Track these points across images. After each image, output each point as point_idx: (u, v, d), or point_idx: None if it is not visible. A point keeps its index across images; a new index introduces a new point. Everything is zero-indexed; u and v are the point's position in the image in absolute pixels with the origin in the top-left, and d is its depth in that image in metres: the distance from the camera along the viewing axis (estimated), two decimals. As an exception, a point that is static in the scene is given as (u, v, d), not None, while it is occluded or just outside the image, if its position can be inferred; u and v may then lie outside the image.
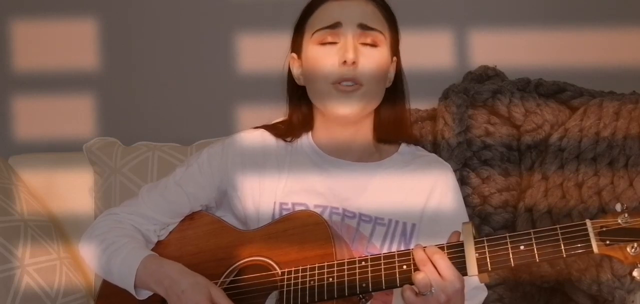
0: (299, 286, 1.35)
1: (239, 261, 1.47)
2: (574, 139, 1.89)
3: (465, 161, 1.97)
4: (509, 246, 1.26)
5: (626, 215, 1.21)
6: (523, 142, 1.98)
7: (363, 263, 1.33)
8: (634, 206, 1.23)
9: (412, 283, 1.29)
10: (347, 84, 1.47)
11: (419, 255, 1.30)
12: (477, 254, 1.27)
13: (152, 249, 1.59)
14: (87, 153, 2.17)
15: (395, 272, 1.31)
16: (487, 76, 2.14)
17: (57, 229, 2.08)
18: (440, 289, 1.27)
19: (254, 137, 1.62)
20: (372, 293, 1.39)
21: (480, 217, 1.94)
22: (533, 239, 1.25)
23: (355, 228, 1.52)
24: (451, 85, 2.09)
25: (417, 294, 1.28)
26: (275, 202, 1.54)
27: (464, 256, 1.28)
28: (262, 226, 1.51)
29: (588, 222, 1.23)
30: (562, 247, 1.22)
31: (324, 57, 1.49)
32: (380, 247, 1.52)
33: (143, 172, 2.11)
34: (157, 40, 2.38)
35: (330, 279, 1.33)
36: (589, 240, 1.21)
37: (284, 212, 1.53)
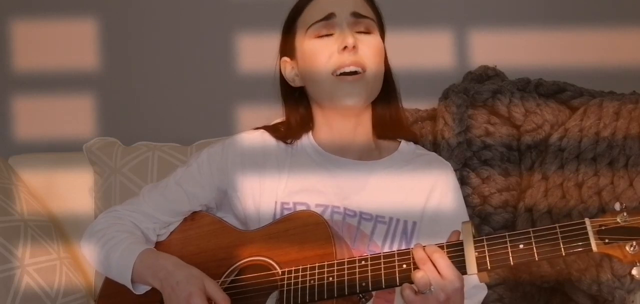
0: (299, 286, 1.35)
1: (240, 261, 1.47)
2: (574, 139, 1.89)
3: (465, 161, 1.97)
4: (508, 245, 1.26)
5: (625, 214, 1.21)
6: (523, 142, 1.98)
7: (363, 262, 1.34)
8: (633, 205, 1.23)
9: (411, 282, 1.29)
10: (350, 69, 1.48)
11: (419, 254, 1.30)
12: (476, 253, 1.27)
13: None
14: (87, 153, 2.17)
15: (395, 271, 1.31)
16: (487, 75, 2.14)
17: (57, 229, 2.08)
18: (440, 288, 1.27)
19: (254, 138, 1.62)
20: (372, 292, 1.39)
21: (480, 217, 1.94)
22: (532, 238, 1.25)
23: (356, 227, 1.52)
24: (451, 85, 2.09)
25: (416, 292, 1.28)
26: (276, 202, 1.54)
27: (463, 255, 1.28)
28: (263, 226, 1.51)
29: (587, 221, 1.23)
30: (561, 246, 1.23)
31: (322, 49, 1.50)
32: (382, 245, 1.52)
33: (143, 172, 2.11)
34: (157, 40, 2.38)
35: (330, 279, 1.34)
36: (588, 239, 1.22)
37: (286, 212, 1.53)
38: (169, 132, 2.29)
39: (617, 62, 2.21)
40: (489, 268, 1.26)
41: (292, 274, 1.37)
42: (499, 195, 1.95)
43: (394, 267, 1.32)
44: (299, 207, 1.53)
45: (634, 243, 1.19)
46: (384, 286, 1.32)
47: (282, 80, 1.61)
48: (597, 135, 1.87)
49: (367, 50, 1.50)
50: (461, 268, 1.28)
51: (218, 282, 1.46)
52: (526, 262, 1.25)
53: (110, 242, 1.54)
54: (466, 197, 1.93)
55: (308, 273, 1.36)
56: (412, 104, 2.07)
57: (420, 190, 1.56)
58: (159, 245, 1.61)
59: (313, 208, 1.52)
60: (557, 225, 1.24)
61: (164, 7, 2.37)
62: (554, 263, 1.79)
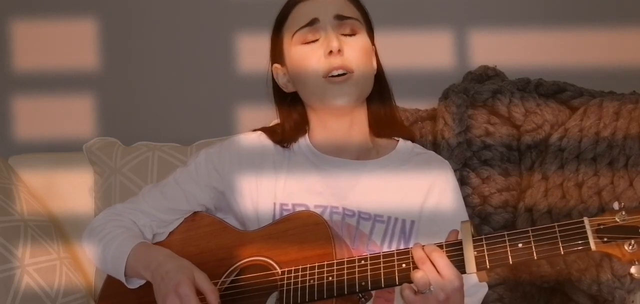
0: (299, 286, 1.35)
1: (240, 261, 1.47)
2: (574, 139, 1.89)
3: (465, 161, 1.97)
4: (508, 244, 1.26)
5: (624, 213, 1.21)
6: (523, 142, 1.99)
7: (362, 261, 1.34)
8: (631, 205, 1.23)
9: (411, 282, 1.29)
10: (338, 72, 1.49)
11: (418, 253, 1.30)
12: (475, 253, 1.27)
13: None
14: (87, 153, 2.17)
15: (395, 271, 1.31)
16: (487, 75, 2.14)
17: (57, 229, 2.08)
18: (439, 288, 1.27)
19: (252, 140, 1.62)
20: (372, 292, 1.39)
21: (480, 217, 1.94)
22: (531, 237, 1.25)
23: (355, 227, 1.52)
24: (451, 85, 2.09)
25: (416, 292, 1.28)
26: (275, 204, 1.55)
27: (462, 255, 1.28)
28: (263, 226, 1.51)
29: (586, 220, 1.23)
30: (560, 244, 1.23)
31: (309, 54, 1.51)
32: (381, 244, 1.52)
33: (143, 172, 2.11)
34: (157, 40, 2.38)
35: (330, 278, 1.34)
36: (586, 238, 1.22)
37: (285, 213, 1.53)
38: (169, 132, 2.29)
39: (617, 62, 2.21)
40: (488, 267, 1.26)
41: (292, 274, 1.37)
42: (499, 195, 1.95)
43: (393, 266, 1.32)
44: (298, 209, 1.53)
45: (633, 242, 1.19)
46: (383, 286, 1.32)
47: (275, 85, 1.62)
48: (597, 135, 1.87)
49: (353, 51, 1.50)
50: (460, 267, 1.28)
51: (218, 282, 1.46)
52: (525, 261, 1.25)
53: (106, 237, 1.55)
54: (466, 198, 1.93)
55: (308, 272, 1.36)
56: (412, 104, 2.07)
57: (418, 189, 1.55)
58: (158, 245, 1.61)
59: (312, 209, 1.52)
60: (555, 224, 1.24)
61: (164, 7, 2.37)
62: (554, 263, 1.79)
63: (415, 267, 1.29)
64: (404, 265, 1.31)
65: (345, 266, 1.34)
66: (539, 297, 1.93)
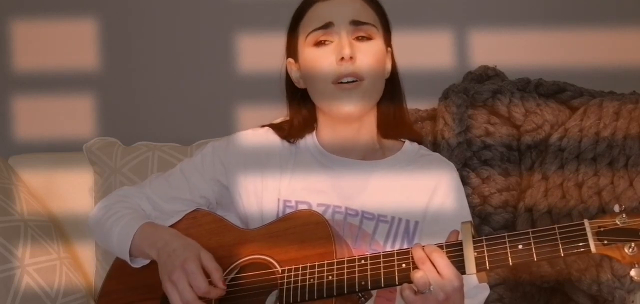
0: (299, 284, 1.36)
1: (240, 259, 1.47)
2: (574, 139, 1.89)
3: (465, 161, 1.97)
4: (508, 245, 1.26)
5: (624, 215, 1.22)
6: (523, 142, 1.99)
7: (362, 261, 1.34)
8: (631, 207, 1.23)
9: (410, 282, 1.30)
10: (347, 79, 1.48)
11: (418, 254, 1.30)
12: (475, 253, 1.27)
13: None
14: (87, 153, 2.18)
15: (394, 270, 1.32)
16: (487, 75, 2.14)
17: (57, 229, 2.08)
18: (439, 288, 1.27)
19: (259, 136, 1.63)
20: (372, 292, 1.39)
21: (480, 217, 1.94)
22: (531, 238, 1.25)
23: (358, 226, 1.53)
24: (451, 85, 2.09)
25: (416, 292, 1.29)
26: (279, 200, 1.55)
27: (462, 255, 1.28)
28: (264, 225, 1.51)
29: (586, 222, 1.23)
30: (560, 246, 1.23)
31: (320, 58, 1.50)
32: (384, 244, 1.52)
33: (143, 172, 2.11)
34: (157, 40, 2.38)
35: (330, 278, 1.34)
36: (586, 240, 1.22)
37: (288, 210, 1.53)
38: (169, 132, 2.29)
39: (617, 62, 2.21)
40: (487, 268, 1.26)
41: (292, 273, 1.37)
42: (499, 195, 1.95)
43: (393, 266, 1.32)
44: (301, 206, 1.53)
45: (633, 245, 1.19)
46: (383, 286, 1.32)
47: (288, 80, 1.61)
48: (597, 135, 1.87)
49: (366, 58, 1.49)
50: (460, 267, 1.28)
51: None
52: (525, 262, 1.25)
53: (112, 217, 1.56)
54: (466, 198, 1.93)
55: (308, 271, 1.36)
56: (412, 104, 2.05)
57: (422, 190, 1.56)
58: None
59: (315, 207, 1.53)
60: (556, 226, 1.24)
61: (164, 7, 2.37)
62: (554, 263, 1.79)
63: (415, 267, 1.30)
64: (403, 265, 1.32)
65: (345, 265, 1.34)
66: (539, 297, 1.93)
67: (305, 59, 1.53)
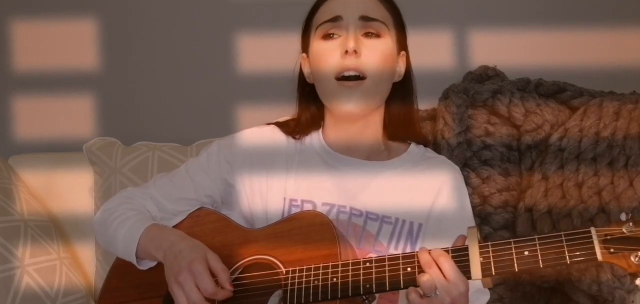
0: (303, 286, 1.35)
1: (244, 259, 1.47)
2: (574, 139, 1.89)
3: (465, 161, 1.97)
4: (513, 251, 1.26)
5: (631, 224, 1.21)
6: (523, 142, 1.98)
7: (367, 263, 1.34)
8: (639, 216, 1.23)
9: (416, 285, 1.30)
10: (349, 73, 1.48)
11: (424, 257, 1.30)
12: (481, 259, 1.27)
13: None
14: (87, 153, 2.17)
15: (400, 274, 1.31)
16: (487, 75, 2.14)
17: (57, 229, 2.08)
18: (445, 292, 1.27)
19: (264, 134, 1.63)
20: (376, 295, 1.39)
21: (480, 217, 1.94)
22: (537, 245, 1.25)
23: (362, 226, 1.53)
24: (451, 85, 2.09)
25: (421, 296, 1.28)
26: (285, 199, 1.55)
27: (468, 260, 1.28)
28: (268, 225, 1.51)
29: (593, 229, 1.23)
30: (566, 253, 1.22)
31: (327, 51, 1.51)
32: (387, 245, 1.52)
33: (143, 172, 2.11)
34: (157, 40, 2.38)
35: (334, 279, 1.34)
36: (593, 248, 1.22)
37: (293, 209, 1.54)
38: (169, 132, 2.29)
39: (617, 62, 2.21)
40: (493, 273, 1.26)
41: (296, 274, 1.37)
42: (499, 195, 1.95)
43: (398, 270, 1.32)
44: (306, 205, 1.53)
45: (639, 254, 1.19)
46: (387, 289, 1.32)
47: (301, 76, 1.62)
48: (597, 135, 1.86)
49: (371, 55, 1.49)
50: (466, 272, 1.28)
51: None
52: (530, 269, 1.25)
53: (118, 219, 1.56)
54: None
55: (312, 273, 1.36)
56: (412, 104, 2.07)
57: (427, 192, 1.55)
58: None
59: (319, 207, 1.53)
60: (562, 233, 1.24)
61: (164, 7, 2.37)
62: (554, 264, 1.79)
63: (421, 271, 1.30)
64: (409, 268, 1.31)
65: (350, 267, 1.34)
66: (539, 297, 1.93)
67: (313, 52, 1.54)
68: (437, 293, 1.27)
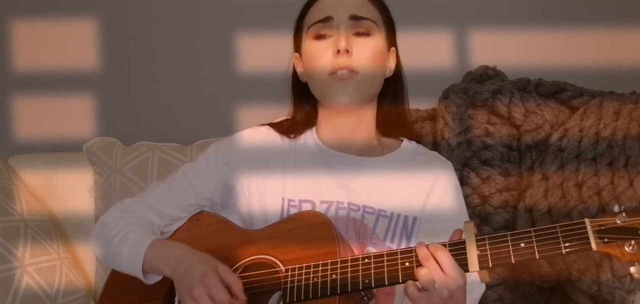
0: (303, 283, 1.36)
1: (244, 259, 1.47)
2: (574, 139, 1.89)
3: (465, 161, 1.97)
4: (510, 243, 1.28)
5: (624, 215, 1.24)
6: (523, 142, 1.98)
7: (366, 260, 1.34)
8: (631, 207, 1.26)
9: (414, 280, 1.30)
10: (342, 73, 1.52)
11: (422, 252, 1.31)
12: (478, 251, 1.29)
13: None
14: (87, 153, 2.17)
15: (398, 269, 1.32)
16: (487, 75, 2.14)
17: (57, 229, 2.08)
18: (443, 285, 1.29)
19: (260, 135, 1.64)
20: (374, 292, 1.39)
21: (480, 217, 1.94)
22: (533, 236, 1.27)
23: (360, 221, 1.54)
24: (451, 85, 2.09)
25: (420, 290, 1.29)
26: (283, 199, 1.56)
27: (465, 253, 1.29)
28: (267, 226, 1.52)
29: (587, 221, 1.26)
30: (562, 244, 1.25)
31: (319, 50, 1.54)
32: (383, 239, 1.54)
33: (143, 172, 2.11)
34: (157, 40, 2.38)
35: (334, 276, 1.35)
36: (587, 238, 1.24)
37: (292, 209, 1.55)
38: (169, 132, 2.29)
39: (617, 62, 2.21)
40: (490, 265, 1.28)
41: (296, 272, 1.38)
42: (499, 195, 1.95)
43: (396, 265, 1.33)
44: (304, 205, 1.54)
45: (633, 243, 1.22)
46: (386, 284, 1.33)
47: (295, 75, 1.65)
48: (597, 135, 1.87)
49: (363, 53, 1.53)
50: (463, 265, 1.30)
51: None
52: (527, 260, 1.27)
53: (120, 234, 1.55)
54: (466, 197, 1.92)
55: (312, 270, 1.36)
56: (412, 104, 2.05)
57: (420, 188, 1.57)
58: None
59: (318, 205, 1.54)
60: (557, 225, 1.26)
61: (164, 7, 2.37)
62: (554, 263, 1.79)
63: (419, 265, 1.31)
64: (407, 263, 1.32)
65: (349, 264, 1.35)
66: (539, 297, 1.93)
67: (306, 51, 1.58)
68: (436, 286, 1.29)
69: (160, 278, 1.51)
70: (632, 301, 1.69)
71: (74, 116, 2.37)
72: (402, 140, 1.64)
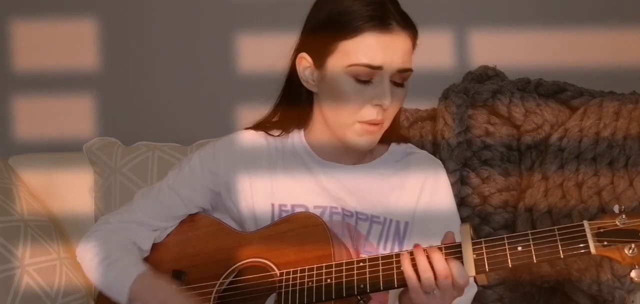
0: (298, 287, 1.36)
1: (238, 262, 1.47)
2: (574, 139, 1.89)
3: (465, 161, 1.97)
4: (507, 247, 1.26)
5: (624, 216, 1.21)
6: (523, 142, 1.98)
7: (361, 263, 1.34)
8: (631, 208, 1.23)
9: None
10: (374, 127, 1.45)
11: (419, 254, 1.30)
12: (474, 255, 1.27)
13: (152, 251, 1.61)
14: (87, 153, 2.17)
15: (393, 273, 1.32)
16: (487, 75, 2.14)
17: (57, 229, 2.08)
18: (443, 288, 1.29)
19: (247, 140, 1.60)
20: (371, 295, 1.39)
21: (480, 217, 1.94)
22: (531, 240, 1.25)
23: (354, 227, 1.53)
24: (451, 85, 2.09)
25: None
26: (273, 204, 1.54)
27: (461, 257, 1.28)
28: (262, 227, 1.51)
29: (586, 223, 1.23)
30: (560, 248, 1.23)
31: (356, 94, 1.43)
32: (377, 245, 1.53)
33: (143, 172, 2.11)
34: (157, 40, 2.38)
35: (329, 280, 1.34)
36: (586, 241, 1.22)
37: (284, 214, 1.53)
38: (169, 132, 2.29)
39: (617, 62, 2.21)
40: (487, 270, 1.26)
41: (291, 276, 1.37)
42: (499, 195, 1.95)
43: (392, 269, 1.32)
44: (298, 209, 1.53)
45: (633, 246, 1.19)
46: (382, 288, 1.32)
47: (292, 73, 1.53)
48: (597, 135, 1.86)
49: (395, 105, 1.46)
50: None
51: (216, 284, 1.46)
52: (524, 264, 1.25)
53: (105, 261, 1.55)
54: (466, 197, 1.93)
55: (306, 274, 1.36)
56: (412, 104, 2.07)
57: (411, 189, 1.56)
58: (157, 247, 1.61)
59: (311, 210, 1.52)
60: (555, 228, 1.24)
61: (164, 7, 2.37)
62: (554, 263, 1.79)
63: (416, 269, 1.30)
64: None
65: (344, 268, 1.34)
66: (539, 297, 1.93)
67: (338, 82, 1.44)
68: (435, 293, 1.29)
69: None
70: (632, 301, 1.69)
71: (74, 116, 2.37)
72: (390, 143, 1.60)
